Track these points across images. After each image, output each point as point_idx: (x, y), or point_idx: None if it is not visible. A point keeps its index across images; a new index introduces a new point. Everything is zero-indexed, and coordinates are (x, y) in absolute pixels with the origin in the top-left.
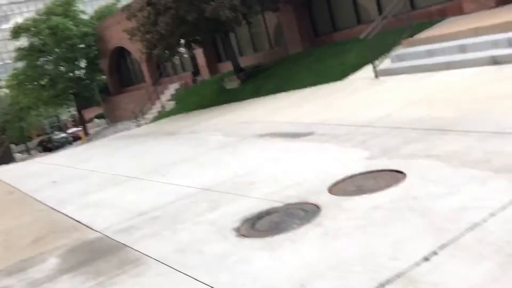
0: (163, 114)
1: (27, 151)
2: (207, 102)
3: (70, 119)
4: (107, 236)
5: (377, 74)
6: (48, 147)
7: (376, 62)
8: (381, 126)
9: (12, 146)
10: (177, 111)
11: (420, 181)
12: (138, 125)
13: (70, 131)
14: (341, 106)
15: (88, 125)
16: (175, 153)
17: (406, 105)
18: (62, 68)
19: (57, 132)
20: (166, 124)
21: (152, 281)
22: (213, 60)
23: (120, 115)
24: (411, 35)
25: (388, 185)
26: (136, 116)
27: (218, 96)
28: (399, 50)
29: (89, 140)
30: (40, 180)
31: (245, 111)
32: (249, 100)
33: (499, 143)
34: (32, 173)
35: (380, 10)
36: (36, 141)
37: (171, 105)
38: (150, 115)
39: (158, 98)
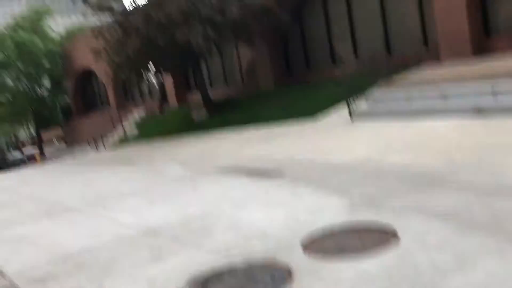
0: (123, 141)
1: None
2: (172, 131)
3: (28, 138)
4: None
5: (353, 115)
6: (1, 166)
7: (352, 103)
8: (360, 171)
9: None
10: (140, 138)
11: (417, 246)
12: (97, 151)
13: (27, 151)
14: (314, 146)
15: (46, 146)
16: (126, 184)
17: (387, 150)
18: (23, 85)
19: (13, 151)
20: (124, 152)
21: None
22: (182, 89)
23: (80, 138)
24: (389, 78)
25: (377, 247)
26: (96, 141)
27: (184, 126)
28: (376, 93)
29: (44, 162)
30: None
31: (211, 144)
32: (216, 132)
33: (504, 200)
34: None
35: (356, 52)
36: None
37: (134, 132)
38: (111, 140)
39: (121, 123)
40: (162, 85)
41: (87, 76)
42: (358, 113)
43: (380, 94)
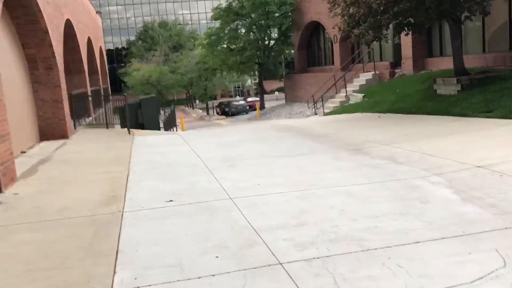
0: (346, 108)
1: (207, 110)
2: (407, 105)
3: (253, 86)
4: None
5: None
6: (226, 111)
7: None
8: None
9: (196, 102)
10: (365, 108)
11: None
12: (315, 113)
13: (249, 99)
14: None
15: (268, 96)
16: (355, 199)
17: None
18: (253, 35)
19: (238, 98)
20: (347, 123)
21: None
22: (422, 53)
23: (299, 95)
24: None
25: None
26: (315, 102)
27: (423, 100)
28: None
29: (263, 115)
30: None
31: (477, 137)
32: (472, 118)
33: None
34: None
35: None
36: (217, 101)
37: (358, 98)
38: (331, 104)
39: (345, 86)
40: (397, 47)
41: (315, 29)
42: None
43: None
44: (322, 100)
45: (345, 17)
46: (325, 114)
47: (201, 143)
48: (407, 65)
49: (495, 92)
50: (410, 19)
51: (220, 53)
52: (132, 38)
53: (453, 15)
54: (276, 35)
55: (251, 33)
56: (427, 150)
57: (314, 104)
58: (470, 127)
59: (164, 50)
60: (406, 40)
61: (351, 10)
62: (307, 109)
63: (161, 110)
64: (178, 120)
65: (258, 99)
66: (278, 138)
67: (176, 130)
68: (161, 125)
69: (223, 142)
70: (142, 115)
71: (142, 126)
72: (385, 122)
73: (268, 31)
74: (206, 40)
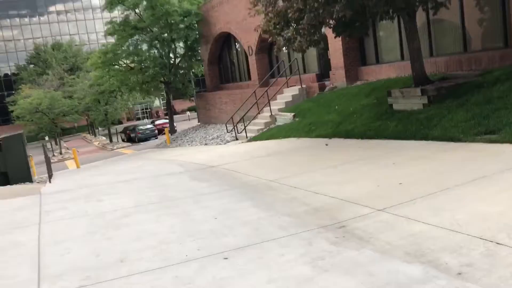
0: (274, 131)
1: (109, 137)
2: (359, 127)
3: (162, 107)
4: None
5: None
6: (132, 137)
7: None
8: None
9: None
10: (299, 131)
11: None
12: (235, 138)
13: (158, 121)
14: None
15: (180, 116)
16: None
17: None
18: (155, 52)
19: (145, 121)
20: (287, 158)
21: None
22: (355, 61)
23: (214, 115)
24: None
25: None
26: (236, 123)
27: (379, 120)
28: None
29: (174, 140)
30: None
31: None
32: (472, 144)
33: None
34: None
35: None
36: (123, 126)
37: (287, 118)
38: (254, 127)
39: (269, 104)
40: (323, 54)
41: (226, 42)
42: None
43: None
44: (243, 122)
45: (270, 15)
46: (249, 139)
47: (65, 218)
48: (338, 76)
49: (481, 104)
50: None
51: (118, 72)
52: (22, 62)
53: (409, 6)
54: (182, 50)
55: (154, 48)
56: (464, 220)
57: (234, 128)
58: (498, 164)
59: (58, 73)
60: (336, 47)
61: (280, 4)
62: (225, 133)
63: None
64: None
65: (166, 121)
66: (193, 198)
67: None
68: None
69: (103, 214)
70: (5, 161)
71: (5, 177)
72: (343, 154)
73: (173, 46)
74: (101, 59)
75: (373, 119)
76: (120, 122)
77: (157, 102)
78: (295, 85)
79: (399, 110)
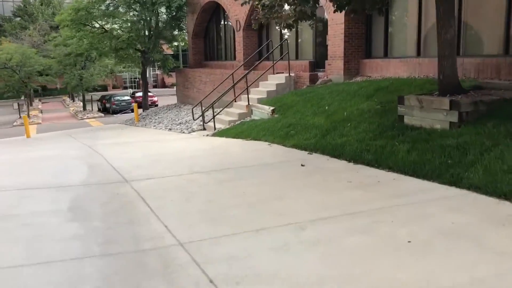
0: (246, 128)
1: (83, 104)
2: (353, 143)
3: (151, 78)
4: None
5: None
6: (107, 107)
7: None
8: None
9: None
10: (274, 133)
11: None
12: (203, 127)
13: (138, 94)
14: None
15: (169, 90)
16: None
17: None
18: (133, 14)
19: (125, 92)
20: (227, 171)
21: None
22: (358, 51)
23: (192, 95)
24: None
25: None
26: (206, 109)
27: (383, 137)
28: None
29: (143, 118)
30: None
31: None
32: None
33: None
34: None
35: None
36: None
37: (264, 112)
38: (226, 117)
39: (247, 92)
40: (320, 39)
41: (214, 13)
42: None
43: None
44: (212, 110)
45: None
46: (215, 133)
47: None
48: (334, 68)
49: None
50: None
51: (89, 34)
52: (8, 14)
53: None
54: (165, 17)
55: (135, 12)
56: None
57: (202, 115)
58: None
59: (43, 29)
60: (336, 31)
61: None
62: (192, 121)
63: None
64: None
65: (152, 93)
66: None
67: None
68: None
69: None
70: None
71: None
72: (322, 193)
73: (155, 11)
74: (71, 16)
75: (374, 134)
76: (105, 89)
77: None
78: (283, 72)
79: (414, 127)
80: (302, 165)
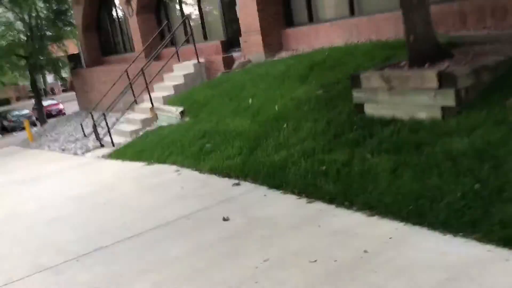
0: (149, 141)
1: None
2: (291, 156)
3: (58, 82)
4: None
5: None
6: (4, 125)
7: None
8: None
9: None
10: (184, 148)
11: None
12: (100, 144)
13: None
14: None
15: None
16: None
17: None
18: (12, 16)
19: (21, 106)
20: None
21: None
22: (276, 21)
23: (94, 99)
24: None
25: None
26: (104, 115)
27: (334, 138)
28: None
29: (39, 137)
30: None
31: None
32: None
33: None
34: None
35: None
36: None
37: (172, 116)
38: (127, 127)
39: (148, 91)
40: (230, 13)
41: (105, 2)
42: None
43: None
44: (105, 119)
45: None
46: (112, 153)
47: None
48: (252, 45)
49: None
50: None
51: None
52: None
53: None
54: (46, 12)
55: (9, 11)
56: None
57: (94, 129)
58: None
59: None
60: (248, 2)
61: None
62: (88, 135)
63: None
64: None
65: (54, 103)
66: None
67: None
68: None
69: None
70: None
71: None
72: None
73: (33, 8)
74: None
75: (327, 140)
76: (8, 103)
77: (50, 79)
78: (190, 60)
79: (383, 119)
80: (224, 219)
